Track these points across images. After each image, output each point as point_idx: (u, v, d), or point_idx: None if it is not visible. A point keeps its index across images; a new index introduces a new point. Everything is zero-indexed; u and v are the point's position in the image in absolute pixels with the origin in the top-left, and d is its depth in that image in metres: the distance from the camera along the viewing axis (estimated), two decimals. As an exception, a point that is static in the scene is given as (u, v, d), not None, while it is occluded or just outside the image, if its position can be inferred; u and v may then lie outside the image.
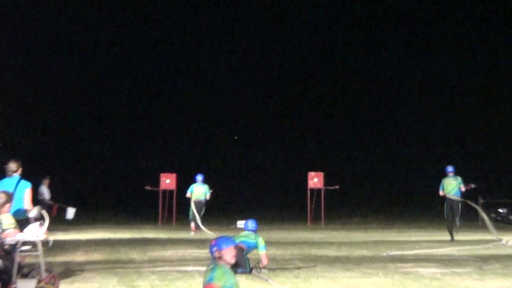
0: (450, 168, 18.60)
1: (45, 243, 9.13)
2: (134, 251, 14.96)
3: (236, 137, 43.89)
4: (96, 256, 14.15)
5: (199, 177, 21.44)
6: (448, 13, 43.59)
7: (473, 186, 18.46)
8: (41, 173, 23.42)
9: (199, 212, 20.95)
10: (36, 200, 19.04)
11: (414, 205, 35.59)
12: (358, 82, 44.10)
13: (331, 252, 14.96)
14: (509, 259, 13.42)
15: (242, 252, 11.03)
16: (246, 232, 11.57)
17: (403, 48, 44.50)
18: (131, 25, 44.33)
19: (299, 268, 11.84)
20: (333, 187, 27.44)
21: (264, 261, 11.27)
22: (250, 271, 11.07)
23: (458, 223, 18.49)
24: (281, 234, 21.10)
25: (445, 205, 18.47)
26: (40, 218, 9.58)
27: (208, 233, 20.02)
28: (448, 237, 18.03)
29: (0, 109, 29.77)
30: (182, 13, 46.53)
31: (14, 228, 9.06)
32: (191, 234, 20.47)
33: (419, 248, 15.74)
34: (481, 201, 25.34)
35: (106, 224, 26.26)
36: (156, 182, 26.86)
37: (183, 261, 12.94)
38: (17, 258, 8.66)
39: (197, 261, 12.85)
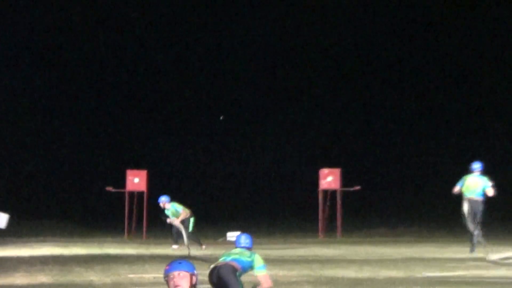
0: (476, 165, 18.77)
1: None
2: (92, 272, 14.95)
3: (221, 117, 43.17)
4: (42, 278, 14.13)
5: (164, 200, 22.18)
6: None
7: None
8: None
9: (186, 228, 21.89)
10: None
11: (459, 213, 35.49)
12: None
13: (350, 273, 14.98)
14: None
15: (234, 273, 10.97)
16: (238, 250, 11.53)
17: (435, 41, 45.19)
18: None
19: (308, 294, 11.88)
20: (352, 189, 27.50)
21: (265, 284, 11.20)
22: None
23: (482, 240, 18.78)
24: (285, 250, 21.11)
25: (464, 207, 18.74)
26: None
27: (188, 251, 20.12)
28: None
29: None
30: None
31: None
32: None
33: (464, 269, 15.78)
34: None
35: (56, 237, 26.28)
36: (121, 182, 26.86)
37: (156, 285, 12.90)
38: None
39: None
